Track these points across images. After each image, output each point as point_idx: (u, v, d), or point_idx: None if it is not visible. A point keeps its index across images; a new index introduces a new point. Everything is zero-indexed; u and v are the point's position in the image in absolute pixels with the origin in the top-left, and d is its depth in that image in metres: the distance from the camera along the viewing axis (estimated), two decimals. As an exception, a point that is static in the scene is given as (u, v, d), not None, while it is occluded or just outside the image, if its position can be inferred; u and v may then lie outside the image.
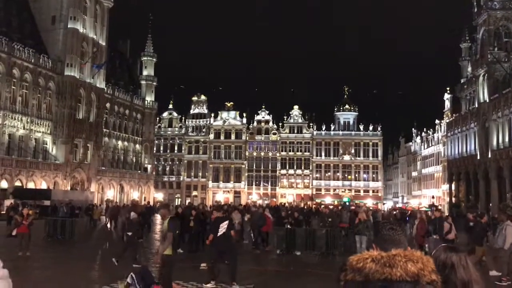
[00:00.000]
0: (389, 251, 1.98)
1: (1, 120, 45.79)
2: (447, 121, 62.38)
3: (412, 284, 1.85)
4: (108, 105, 62.45)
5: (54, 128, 52.26)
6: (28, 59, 49.24)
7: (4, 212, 33.32)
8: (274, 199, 71.10)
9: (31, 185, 48.25)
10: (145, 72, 74.07)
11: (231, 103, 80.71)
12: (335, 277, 1.99)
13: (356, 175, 76.95)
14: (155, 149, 76.67)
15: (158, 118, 79.00)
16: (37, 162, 49.95)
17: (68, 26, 53.22)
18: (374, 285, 1.87)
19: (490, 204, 44.38)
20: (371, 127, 77.29)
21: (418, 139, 79.90)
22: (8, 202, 36.62)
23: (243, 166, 77.84)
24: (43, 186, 49.71)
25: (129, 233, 14.65)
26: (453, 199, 55.64)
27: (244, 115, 79.46)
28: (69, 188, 52.26)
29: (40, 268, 13.65)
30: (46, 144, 52.20)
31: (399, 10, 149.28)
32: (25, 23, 52.85)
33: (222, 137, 79.09)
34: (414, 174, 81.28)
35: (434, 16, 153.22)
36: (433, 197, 66.34)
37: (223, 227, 11.06)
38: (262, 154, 77.96)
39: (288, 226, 19.09)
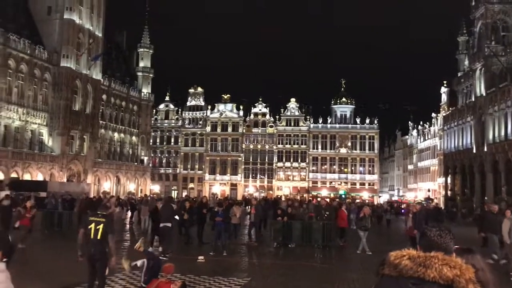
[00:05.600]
0: None
1: (-3, 111, 45.63)
2: (444, 114, 62.45)
3: None
4: (104, 96, 62.24)
5: (50, 120, 52.08)
6: (23, 50, 48.94)
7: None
8: (271, 192, 71.21)
9: (27, 177, 48.13)
10: (141, 64, 73.80)
11: (228, 95, 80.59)
12: (375, 270, 2.07)
13: (352, 168, 77.09)
14: (151, 141, 76.54)
15: (154, 110, 78.76)
16: (33, 153, 49.81)
17: (64, 17, 52.89)
18: (406, 282, 1.89)
19: (485, 198, 44.56)
20: (367, 120, 77.36)
21: (414, 132, 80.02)
22: (3, 194, 36.41)
23: (240, 158, 77.85)
24: (39, 177, 49.60)
25: (169, 225, 14.87)
26: (449, 192, 55.87)
27: (241, 107, 79.33)
28: (65, 179, 52.20)
29: (40, 261, 13.61)
30: (42, 135, 52.05)
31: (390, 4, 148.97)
32: (21, 13, 52.45)
33: (219, 130, 78.99)
34: (410, 167, 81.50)
35: (431, 9, 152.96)
36: (428, 190, 66.54)
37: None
38: (259, 146, 77.95)
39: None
